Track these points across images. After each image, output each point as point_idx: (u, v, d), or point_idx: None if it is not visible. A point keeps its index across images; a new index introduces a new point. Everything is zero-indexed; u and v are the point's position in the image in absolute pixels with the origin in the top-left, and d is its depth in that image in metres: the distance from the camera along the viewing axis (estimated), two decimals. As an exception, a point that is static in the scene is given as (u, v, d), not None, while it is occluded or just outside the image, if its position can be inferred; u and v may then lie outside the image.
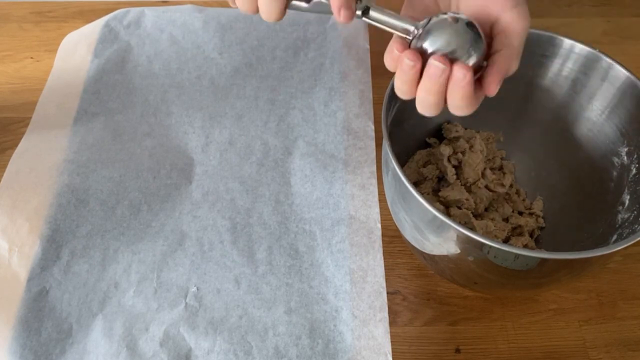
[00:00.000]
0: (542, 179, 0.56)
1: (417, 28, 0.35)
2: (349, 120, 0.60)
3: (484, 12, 0.37)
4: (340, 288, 0.49)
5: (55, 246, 0.50)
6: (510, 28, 0.36)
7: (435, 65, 0.34)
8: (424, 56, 0.35)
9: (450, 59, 0.34)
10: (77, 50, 0.65)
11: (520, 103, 0.54)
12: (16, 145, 0.58)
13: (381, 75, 0.64)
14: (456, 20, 0.35)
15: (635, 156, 0.47)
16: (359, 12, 0.37)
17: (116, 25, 0.67)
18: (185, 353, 0.46)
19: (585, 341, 0.49)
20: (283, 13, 0.37)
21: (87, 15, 0.71)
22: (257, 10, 0.38)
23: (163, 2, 0.73)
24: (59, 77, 0.63)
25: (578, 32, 0.71)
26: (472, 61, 0.34)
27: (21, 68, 0.67)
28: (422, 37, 0.35)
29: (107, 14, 0.68)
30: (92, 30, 0.67)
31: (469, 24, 0.35)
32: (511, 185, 0.56)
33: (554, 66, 0.51)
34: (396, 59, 0.35)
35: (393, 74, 0.37)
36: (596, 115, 0.51)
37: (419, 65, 0.34)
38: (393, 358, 0.46)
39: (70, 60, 0.65)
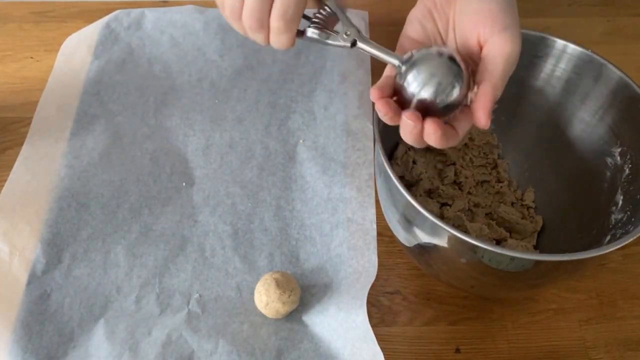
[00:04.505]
0: (535, 180, 0.56)
1: (401, 63, 0.37)
2: (348, 122, 0.59)
3: (474, 34, 0.38)
4: (335, 291, 0.49)
5: (56, 250, 0.51)
6: (496, 51, 0.37)
7: (406, 123, 0.36)
8: (408, 89, 0.36)
9: (428, 103, 0.36)
10: (77, 52, 0.65)
11: (513, 104, 0.54)
12: (16, 145, 0.58)
13: (381, 75, 0.64)
14: (440, 54, 0.36)
15: (628, 157, 0.47)
16: (347, 44, 0.40)
17: (116, 27, 0.67)
18: (188, 355, 0.46)
19: (585, 341, 0.49)
20: (293, 42, 0.41)
21: (87, 15, 0.71)
22: (268, 42, 0.41)
23: (163, 1, 0.73)
24: (59, 78, 0.63)
25: (578, 32, 0.71)
26: (454, 94, 0.36)
27: (21, 68, 0.66)
28: (406, 71, 0.37)
29: (107, 14, 0.68)
30: (92, 31, 0.67)
31: (451, 58, 0.36)
32: (504, 180, 0.56)
33: (547, 67, 0.51)
34: (388, 107, 0.37)
35: None
36: (589, 115, 0.50)
37: (419, 126, 0.36)
38: (393, 358, 0.47)
39: (70, 62, 0.64)
